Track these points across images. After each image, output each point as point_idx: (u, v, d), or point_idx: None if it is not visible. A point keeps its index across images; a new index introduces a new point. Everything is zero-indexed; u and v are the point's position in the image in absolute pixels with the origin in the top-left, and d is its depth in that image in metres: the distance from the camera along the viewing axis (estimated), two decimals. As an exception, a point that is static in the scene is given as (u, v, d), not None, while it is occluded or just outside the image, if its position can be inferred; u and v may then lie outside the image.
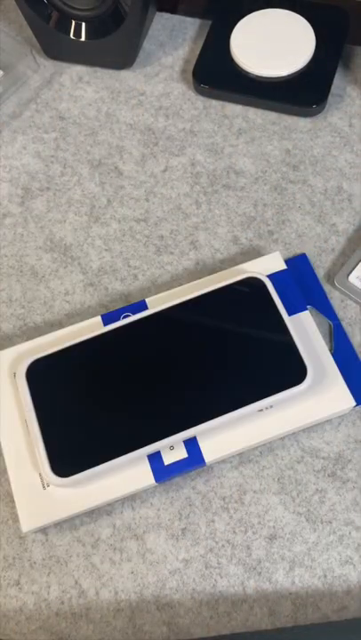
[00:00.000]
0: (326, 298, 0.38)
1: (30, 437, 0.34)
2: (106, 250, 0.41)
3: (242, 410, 0.33)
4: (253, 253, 0.40)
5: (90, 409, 0.34)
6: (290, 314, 0.36)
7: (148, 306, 0.37)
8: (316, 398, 0.34)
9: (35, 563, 0.34)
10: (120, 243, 0.41)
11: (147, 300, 0.38)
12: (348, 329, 0.37)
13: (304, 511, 0.34)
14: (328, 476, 0.34)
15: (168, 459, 0.34)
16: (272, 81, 0.43)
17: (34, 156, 0.45)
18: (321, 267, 0.39)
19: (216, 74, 0.44)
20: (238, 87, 0.44)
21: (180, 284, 0.39)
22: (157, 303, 0.37)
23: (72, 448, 0.33)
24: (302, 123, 0.44)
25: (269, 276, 0.37)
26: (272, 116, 0.44)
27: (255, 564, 0.33)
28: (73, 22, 0.45)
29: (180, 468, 0.34)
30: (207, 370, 0.34)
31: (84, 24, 0.44)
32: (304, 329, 0.36)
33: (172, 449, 0.34)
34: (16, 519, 0.35)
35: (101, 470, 0.32)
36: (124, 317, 0.37)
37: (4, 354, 0.37)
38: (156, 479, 0.33)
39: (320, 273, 0.39)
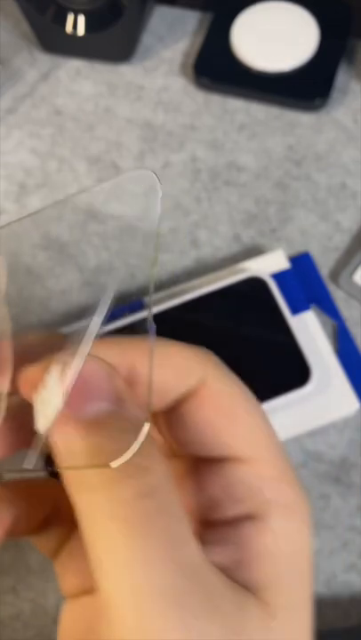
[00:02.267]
0: (330, 297, 0.37)
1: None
2: (104, 249, 0.40)
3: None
4: (256, 252, 0.39)
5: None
6: (293, 313, 0.35)
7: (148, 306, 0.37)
8: (319, 400, 0.33)
9: (31, 569, 0.33)
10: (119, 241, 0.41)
11: (146, 299, 0.37)
12: (352, 329, 0.37)
13: (308, 516, 0.33)
14: (332, 480, 0.34)
15: (168, 463, 0.33)
16: (274, 75, 0.43)
17: (30, 151, 0.44)
18: (325, 265, 0.39)
19: (217, 68, 0.44)
20: (240, 81, 0.43)
21: (181, 284, 0.38)
22: (157, 303, 0.36)
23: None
24: (305, 118, 0.43)
25: (272, 276, 0.36)
26: (274, 110, 0.44)
27: (257, 570, 0.32)
28: (70, 15, 0.44)
29: (180, 472, 0.33)
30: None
31: (81, 17, 0.44)
32: (308, 329, 0.35)
33: (171, 452, 0.33)
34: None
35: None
36: (123, 317, 0.36)
37: None
38: (156, 484, 0.33)
39: (324, 272, 0.38)
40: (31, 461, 0.17)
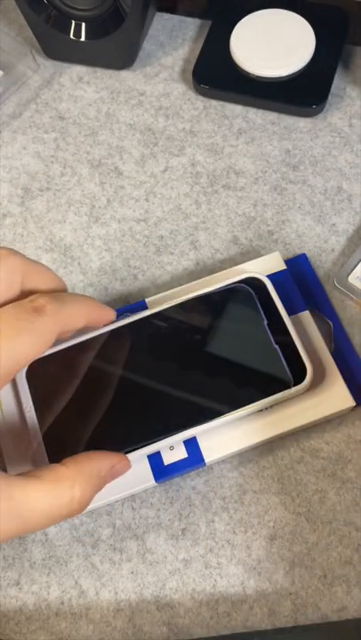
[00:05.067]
0: (326, 298, 0.38)
1: (30, 438, 0.34)
2: (106, 250, 0.41)
3: (242, 410, 0.33)
4: (253, 253, 0.40)
5: (90, 409, 0.34)
6: (290, 314, 0.36)
7: (148, 306, 0.37)
8: (316, 398, 0.34)
9: (35, 563, 0.34)
10: (120, 243, 0.41)
11: (147, 300, 0.38)
12: (348, 329, 0.37)
13: (304, 511, 0.34)
14: (328, 476, 0.34)
15: (168, 459, 0.34)
16: (272, 81, 0.43)
17: (34, 156, 0.45)
18: (321, 267, 0.39)
19: (216, 74, 0.44)
20: (238, 87, 0.44)
21: (180, 284, 0.39)
22: (157, 303, 0.37)
23: (72, 448, 0.33)
24: (302, 123, 0.44)
25: (269, 277, 0.37)
26: (272, 116, 0.44)
27: (255, 564, 0.33)
28: (73, 22, 0.45)
29: (180, 468, 0.34)
30: (207, 370, 0.34)
31: (84, 24, 0.45)
32: (304, 329, 0.36)
33: (172, 449, 0.34)
34: (16, 519, 0.35)
35: (101, 470, 0.32)
36: (124, 317, 0.37)
37: (3, 354, 0.36)
38: (156, 479, 0.33)
39: (320, 273, 0.39)
40: None
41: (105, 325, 0.36)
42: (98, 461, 0.29)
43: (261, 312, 0.35)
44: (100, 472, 0.28)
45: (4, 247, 0.29)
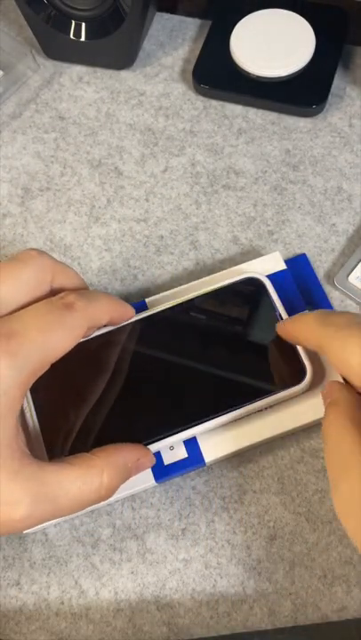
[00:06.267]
0: (326, 298, 0.38)
1: (30, 438, 0.34)
2: (106, 250, 0.41)
3: (241, 410, 0.33)
4: (253, 253, 0.40)
5: (90, 409, 0.34)
6: (290, 314, 0.36)
7: (148, 306, 0.37)
8: (315, 398, 0.34)
9: (35, 563, 0.34)
10: (120, 243, 0.41)
11: (147, 300, 0.38)
12: (348, 329, 0.37)
13: (304, 511, 0.34)
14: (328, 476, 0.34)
15: (168, 459, 0.34)
16: (272, 81, 0.43)
17: (34, 156, 0.45)
18: (321, 267, 0.39)
19: (216, 74, 0.44)
20: (238, 87, 0.44)
21: (180, 284, 0.39)
22: (157, 303, 0.37)
23: (72, 449, 0.33)
24: (302, 123, 0.44)
25: (269, 276, 0.37)
26: (272, 116, 0.44)
27: (255, 564, 0.33)
28: (73, 22, 0.45)
29: (179, 468, 0.34)
30: (207, 370, 0.34)
31: (84, 24, 0.45)
32: (304, 329, 0.36)
33: (171, 449, 0.34)
34: (16, 519, 0.35)
35: (101, 470, 0.32)
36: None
37: (3, 354, 0.36)
38: (156, 479, 0.33)
39: (320, 273, 0.39)
40: None
41: (123, 322, 0.36)
42: (124, 453, 0.30)
43: (274, 303, 0.35)
44: (127, 463, 0.30)
45: (34, 249, 0.31)
